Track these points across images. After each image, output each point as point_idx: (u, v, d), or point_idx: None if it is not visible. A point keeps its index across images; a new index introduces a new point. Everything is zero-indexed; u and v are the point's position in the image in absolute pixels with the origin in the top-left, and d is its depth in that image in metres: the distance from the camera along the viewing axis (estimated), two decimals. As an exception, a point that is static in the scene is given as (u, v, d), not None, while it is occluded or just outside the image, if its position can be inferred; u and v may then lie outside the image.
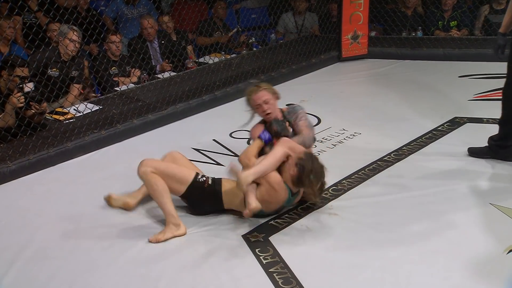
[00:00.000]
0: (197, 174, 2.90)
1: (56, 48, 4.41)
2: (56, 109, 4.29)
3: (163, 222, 2.86)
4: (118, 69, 5.00)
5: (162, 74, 5.27)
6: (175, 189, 2.83)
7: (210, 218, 2.92)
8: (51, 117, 4.16)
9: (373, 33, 6.50)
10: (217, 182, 2.90)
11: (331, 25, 6.22)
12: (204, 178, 2.89)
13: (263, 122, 3.11)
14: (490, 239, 2.59)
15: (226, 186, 2.89)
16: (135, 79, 5.08)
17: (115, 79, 4.95)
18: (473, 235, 2.65)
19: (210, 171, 3.46)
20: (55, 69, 4.34)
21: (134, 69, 5.10)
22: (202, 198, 2.86)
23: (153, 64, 5.45)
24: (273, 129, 2.97)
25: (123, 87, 4.76)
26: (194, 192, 2.84)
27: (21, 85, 3.72)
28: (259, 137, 2.94)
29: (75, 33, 4.34)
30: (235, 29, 6.34)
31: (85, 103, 4.33)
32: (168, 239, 2.73)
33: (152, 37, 5.42)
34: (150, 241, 2.73)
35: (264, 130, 2.94)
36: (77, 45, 4.39)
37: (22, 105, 3.70)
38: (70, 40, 4.34)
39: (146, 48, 5.38)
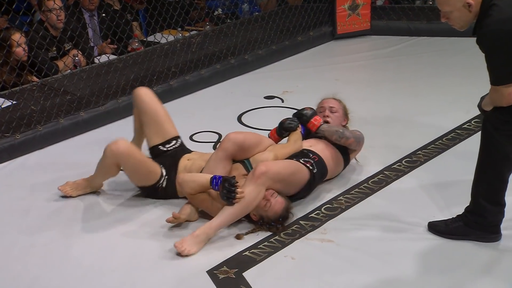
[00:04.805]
0: (160, 178, 3.31)
1: None
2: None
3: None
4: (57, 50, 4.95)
5: (99, 58, 5.25)
6: (131, 179, 3.34)
7: (166, 244, 2.93)
8: None
9: (380, 1, 6.57)
10: (169, 186, 3.32)
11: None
12: (160, 184, 3.32)
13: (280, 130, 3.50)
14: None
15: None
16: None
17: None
18: (504, 263, 2.72)
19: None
20: None
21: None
22: (153, 194, 3.38)
23: (92, 45, 5.42)
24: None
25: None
26: (147, 190, 3.37)
27: None
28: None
29: None
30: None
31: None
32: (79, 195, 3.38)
33: (94, 6, 5.41)
34: (58, 189, 3.37)
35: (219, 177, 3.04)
36: None
37: None
38: None
39: (81, 23, 5.28)
